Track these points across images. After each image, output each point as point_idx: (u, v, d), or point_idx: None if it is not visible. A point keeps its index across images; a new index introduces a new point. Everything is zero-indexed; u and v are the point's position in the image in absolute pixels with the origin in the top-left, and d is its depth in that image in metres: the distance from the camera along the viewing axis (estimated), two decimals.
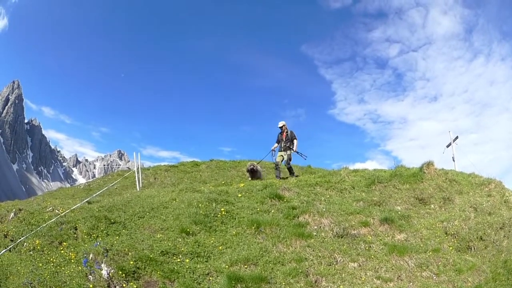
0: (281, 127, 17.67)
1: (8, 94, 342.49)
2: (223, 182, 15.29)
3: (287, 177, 16.92)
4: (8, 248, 9.06)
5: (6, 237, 10.08)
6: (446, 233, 9.27)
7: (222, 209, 10.63)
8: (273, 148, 17.92)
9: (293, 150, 17.31)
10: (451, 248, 8.64)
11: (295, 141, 17.51)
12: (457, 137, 22.70)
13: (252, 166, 17.65)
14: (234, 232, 9.58)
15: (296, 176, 17.31)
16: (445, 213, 10.33)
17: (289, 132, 17.58)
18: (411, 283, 7.53)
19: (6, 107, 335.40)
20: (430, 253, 8.45)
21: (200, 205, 10.94)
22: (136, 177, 18.98)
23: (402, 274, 7.79)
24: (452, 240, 9.00)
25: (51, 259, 8.52)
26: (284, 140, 17.48)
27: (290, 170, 17.72)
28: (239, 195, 11.97)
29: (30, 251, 9.00)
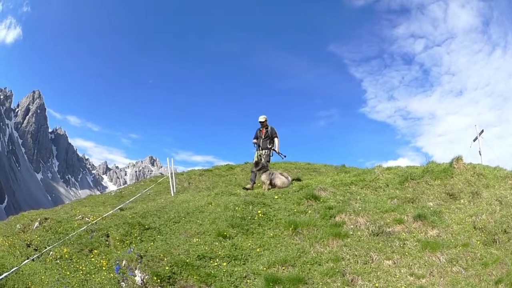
0: (262, 122, 16.11)
1: (28, 104, 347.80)
2: (258, 185, 15.17)
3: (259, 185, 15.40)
4: (31, 258, 9.00)
5: (29, 246, 10.04)
6: (474, 228, 9.19)
7: (259, 212, 10.69)
8: (254, 141, 16.37)
9: (274, 150, 16.02)
10: (478, 242, 8.58)
11: (276, 139, 16.10)
12: (482, 131, 22.55)
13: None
14: (271, 234, 9.62)
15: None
16: (474, 208, 10.24)
17: (269, 129, 16.09)
18: (441, 279, 7.51)
19: (27, 117, 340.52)
20: (460, 248, 8.39)
21: (236, 208, 10.99)
22: (170, 182, 19.01)
23: (434, 270, 7.77)
24: (480, 234, 8.92)
25: (80, 267, 8.53)
26: (263, 137, 16.05)
27: (263, 170, 14.92)
28: (276, 197, 11.98)
29: (56, 260, 8.95)
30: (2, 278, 7.26)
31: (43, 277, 8.02)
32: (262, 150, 15.97)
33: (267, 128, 16.06)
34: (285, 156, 16.41)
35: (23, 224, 11.54)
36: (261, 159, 15.64)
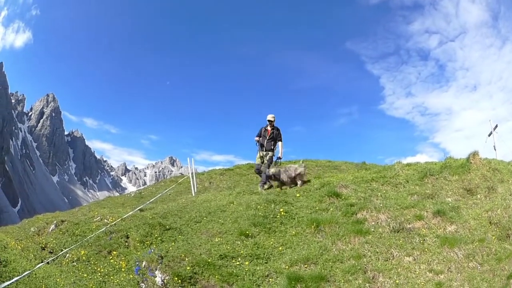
0: (271, 121, 14.89)
1: (42, 108, 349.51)
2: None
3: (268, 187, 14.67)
4: (45, 261, 8.98)
5: (44, 249, 10.06)
6: (490, 223, 9.16)
7: (281, 210, 10.76)
8: (258, 139, 15.09)
9: (278, 157, 14.90)
10: (493, 237, 8.54)
11: (280, 143, 14.92)
12: (496, 126, 22.41)
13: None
14: (293, 232, 9.68)
15: (270, 187, 14.79)
16: (490, 203, 10.19)
17: (275, 130, 14.99)
18: (459, 274, 7.50)
19: (41, 120, 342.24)
20: (476, 243, 8.35)
21: (258, 206, 11.10)
22: (191, 182, 19.10)
23: (451, 266, 7.76)
24: (495, 229, 8.88)
25: (98, 269, 8.59)
26: (268, 137, 14.85)
27: (265, 175, 14.61)
28: (297, 195, 12.06)
29: (73, 262, 9.01)
30: (12, 282, 7.20)
31: (58, 279, 8.00)
32: (265, 151, 14.93)
33: (273, 128, 15.00)
34: (281, 159, 15.18)
35: (38, 227, 11.62)
36: (263, 162, 14.95)
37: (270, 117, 14.91)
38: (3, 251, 9.12)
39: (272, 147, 14.89)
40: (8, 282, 7.12)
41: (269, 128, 14.95)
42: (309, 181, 14.25)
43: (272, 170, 14.30)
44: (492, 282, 7.04)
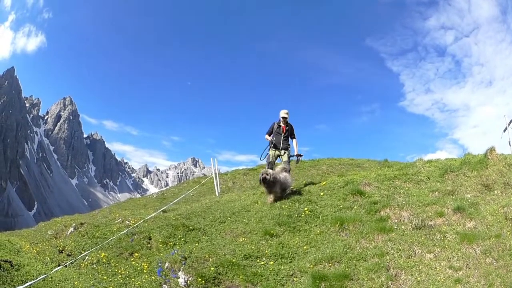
0: (285, 118, 13.61)
1: (59, 111, 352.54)
2: (304, 182, 15.16)
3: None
4: (63, 264, 8.97)
5: (61, 252, 10.05)
6: (506, 218, 9.14)
7: (306, 209, 10.83)
8: (269, 138, 13.84)
9: (298, 155, 13.74)
10: (509, 233, 8.52)
11: (295, 141, 13.86)
12: (511, 121, 22.24)
13: (265, 175, 12.04)
14: (318, 231, 9.77)
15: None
16: (506, 198, 10.18)
17: (289, 127, 13.78)
18: (476, 270, 7.55)
19: (59, 123, 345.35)
20: (493, 239, 8.36)
21: (283, 206, 11.18)
22: (215, 183, 19.11)
23: (470, 262, 7.82)
24: (510, 224, 8.84)
25: (119, 271, 8.58)
26: (283, 134, 13.58)
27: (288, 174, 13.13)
28: (321, 194, 12.09)
29: (92, 265, 8.98)
30: (25, 287, 6.95)
31: (76, 282, 7.86)
32: (281, 150, 13.57)
33: (287, 125, 13.73)
34: (301, 156, 13.91)
35: (55, 230, 11.69)
36: (272, 161, 13.56)
37: (284, 113, 13.65)
38: (16, 254, 9.05)
39: (288, 146, 13.66)
40: (21, 287, 6.92)
41: (283, 124, 13.68)
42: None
43: (270, 171, 12.24)
44: (506, 278, 7.09)
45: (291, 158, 13.68)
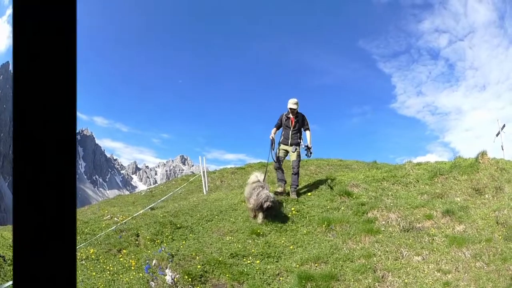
0: (294, 109, 11.59)
1: None
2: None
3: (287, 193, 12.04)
4: None
5: None
6: (497, 223, 9.23)
7: (293, 209, 10.77)
8: (273, 136, 11.80)
9: (307, 147, 11.65)
10: (500, 237, 8.61)
11: (308, 132, 11.82)
12: (504, 125, 22.43)
13: (269, 203, 9.90)
14: (304, 231, 9.73)
15: (298, 191, 12.11)
16: (497, 203, 10.26)
17: (299, 118, 11.78)
18: (466, 274, 7.56)
19: None
20: (484, 243, 8.43)
21: None
22: (203, 181, 19.00)
23: (459, 266, 7.83)
24: (502, 229, 8.95)
25: (108, 267, 8.48)
26: (292, 128, 11.66)
27: (296, 176, 11.81)
28: (309, 194, 12.03)
29: (81, 261, 8.89)
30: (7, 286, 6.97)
31: None
32: (290, 145, 11.68)
33: (297, 116, 11.74)
34: (311, 154, 11.87)
35: None
36: (281, 158, 11.97)
37: (292, 103, 11.62)
38: (9, 249, 9.03)
39: (299, 140, 11.72)
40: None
41: (291, 116, 11.68)
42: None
43: (271, 196, 10.21)
44: (497, 282, 7.12)
45: (309, 151, 11.72)
